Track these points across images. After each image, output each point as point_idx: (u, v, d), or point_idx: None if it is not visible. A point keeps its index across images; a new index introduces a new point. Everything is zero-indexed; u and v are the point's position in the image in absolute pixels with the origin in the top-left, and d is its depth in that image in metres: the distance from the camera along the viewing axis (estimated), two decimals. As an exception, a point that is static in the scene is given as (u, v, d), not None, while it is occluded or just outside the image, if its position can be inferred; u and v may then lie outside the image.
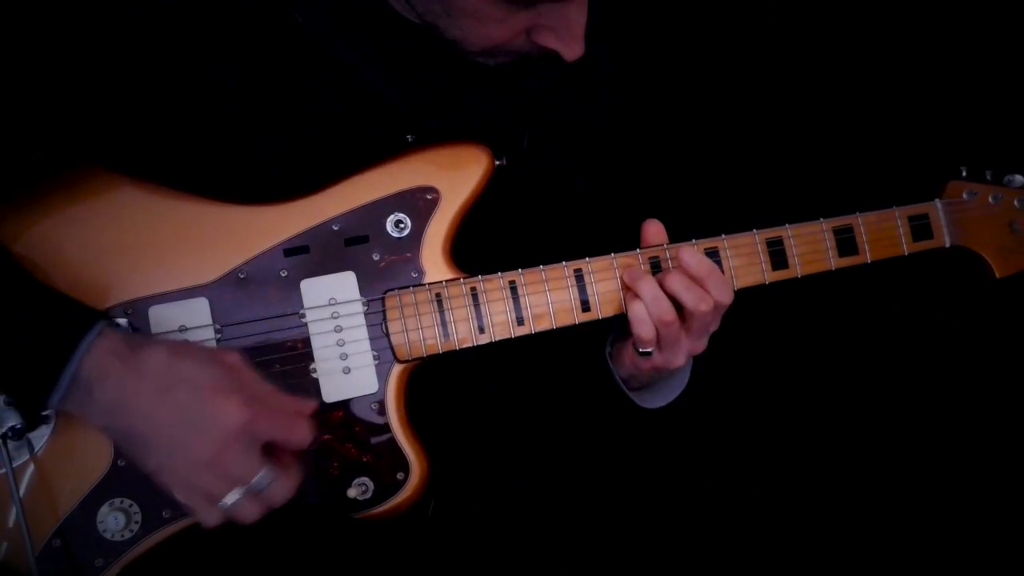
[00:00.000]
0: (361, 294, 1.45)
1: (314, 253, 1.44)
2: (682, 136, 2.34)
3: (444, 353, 1.47)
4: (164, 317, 1.40)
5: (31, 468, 1.36)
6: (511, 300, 1.48)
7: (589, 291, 1.50)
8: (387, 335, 1.45)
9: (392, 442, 1.45)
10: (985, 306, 2.32)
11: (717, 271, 1.50)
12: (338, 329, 1.44)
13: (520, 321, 1.49)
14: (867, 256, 1.59)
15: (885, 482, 2.43)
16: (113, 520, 1.37)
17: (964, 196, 1.64)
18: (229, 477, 1.25)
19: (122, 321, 1.37)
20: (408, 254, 1.47)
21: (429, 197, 1.47)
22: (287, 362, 1.43)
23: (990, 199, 1.64)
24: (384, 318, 1.45)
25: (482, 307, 1.48)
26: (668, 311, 1.47)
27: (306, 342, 1.43)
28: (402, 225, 1.46)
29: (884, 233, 1.60)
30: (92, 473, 1.37)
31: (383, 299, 1.45)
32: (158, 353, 1.27)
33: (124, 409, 1.25)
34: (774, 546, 2.39)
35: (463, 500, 1.63)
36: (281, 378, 1.41)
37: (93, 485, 1.37)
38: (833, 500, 2.42)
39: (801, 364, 2.43)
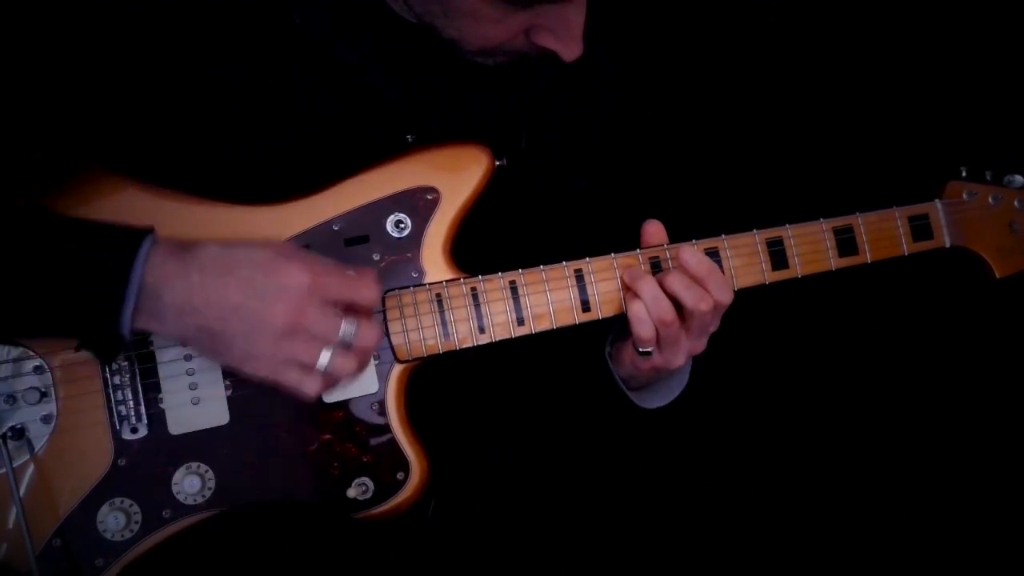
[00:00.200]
0: (361, 294, 1.45)
1: (314, 253, 1.44)
2: (682, 136, 2.34)
3: (444, 353, 1.47)
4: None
5: (31, 468, 1.36)
6: (511, 300, 1.48)
7: (589, 291, 1.50)
8: (387, 335, 1.45)
9: (392, 442, 1.45)
10: (985, 306, 2.32)
11: (717, 271, 1.50)
12: (338, 329, 1.44)
13: (520, 321, 1.49)
14: (867, 256, 1.59)
15: (885, 482, 2.43)
16: (113, 520, 1.37)
17: (964, 196, 1.64)
18: (314, 337, 1.27)
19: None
20: (408, 254, 1.47)
21: (429, 197, 1.47)
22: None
23: (990, 199, 1.64)
24: (384, 318, 1.45)
25: (482, 307, 1.48)
26: (668, 311, 1.47)
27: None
28: (402, 225, 1.46)
29: (884, 233, 1.60)
30: (92, 473, 1.37)
31: (383, 299, 1.45)
32: (211, 246, 1.29)
33: (193, 307, 1.26)
34: (774, 546, 2.39)
35: (463, 500, 1.63)
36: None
37: (93, 485, 1.37)
38: (833, 500, 2.42)
39: (801, 364, 2.43)
